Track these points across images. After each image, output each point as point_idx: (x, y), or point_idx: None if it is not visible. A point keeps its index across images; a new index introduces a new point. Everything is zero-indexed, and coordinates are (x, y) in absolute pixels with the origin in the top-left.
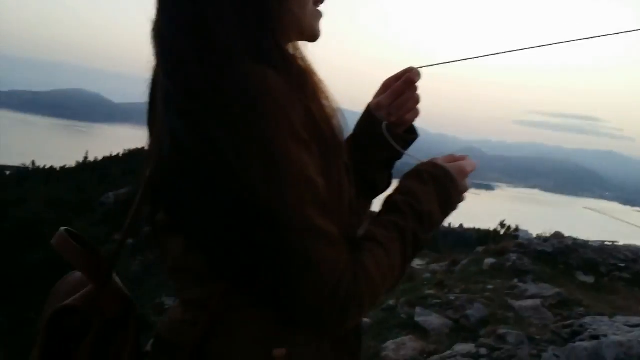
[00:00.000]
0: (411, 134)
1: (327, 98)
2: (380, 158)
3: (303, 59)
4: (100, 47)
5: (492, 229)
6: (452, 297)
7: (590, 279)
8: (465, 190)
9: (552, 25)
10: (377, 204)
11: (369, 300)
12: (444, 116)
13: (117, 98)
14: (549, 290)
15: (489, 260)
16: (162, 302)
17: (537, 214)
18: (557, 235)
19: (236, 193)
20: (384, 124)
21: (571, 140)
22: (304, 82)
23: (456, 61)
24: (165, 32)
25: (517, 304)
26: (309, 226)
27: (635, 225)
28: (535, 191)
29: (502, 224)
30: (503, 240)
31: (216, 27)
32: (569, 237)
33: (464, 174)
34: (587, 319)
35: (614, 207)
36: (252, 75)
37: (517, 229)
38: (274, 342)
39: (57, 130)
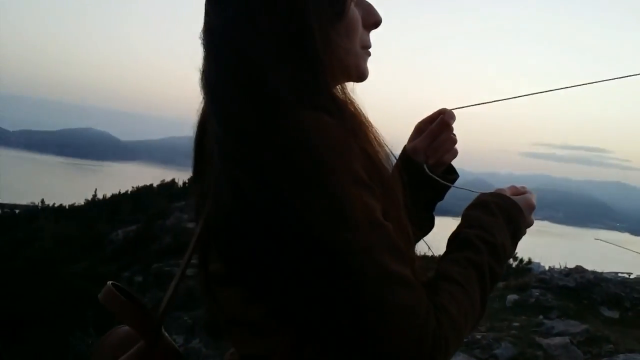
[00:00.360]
0: (451, 174)
1: (378, 141)
2: (424, 200)
3: (353, 102)
4: (108, 86)
5: None
6: (478, 336)
7: (614, 314)
8: (531, 224)
9: (562, 66)
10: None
11: (454, 344)
12: None
13: (124, 136)
14: (576, 326)
15: (512, 297)
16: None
17: (549, 246)
18: (578, 270)
19: (306, 244)
20: (425, 165)
21: (578, 171)
22: (357, 126)
23: (487, 103)
24: (214, 80)
25: (545, 341)
26: (386, 273)
27: None
28: (546, 223)
29: (514, 257)
30: (521, 275)
31: (266, 74)
32: (591, 271)
33: (532, 207)
34: (620, 357)
35: (626, 238)
36: (308, 122)
37: (529, 262)
38: None
39: (66, 168)
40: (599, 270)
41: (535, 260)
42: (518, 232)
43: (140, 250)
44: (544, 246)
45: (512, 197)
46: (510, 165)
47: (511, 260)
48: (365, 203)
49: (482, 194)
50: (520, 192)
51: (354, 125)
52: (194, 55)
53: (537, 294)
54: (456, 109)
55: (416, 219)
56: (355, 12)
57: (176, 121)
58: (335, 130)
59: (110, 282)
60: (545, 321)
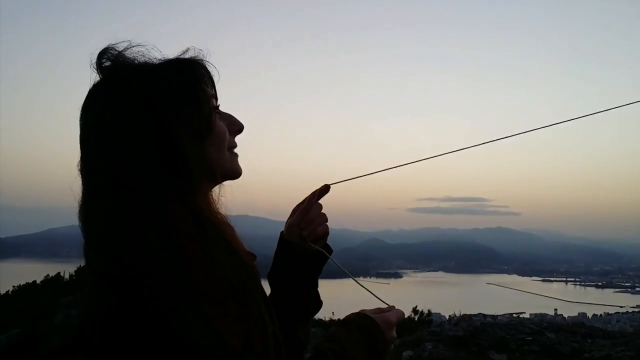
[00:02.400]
0: (327, 249)
1: (240, 250)
2: (303, 275)
3: (218, 213)
4: None
5: (406, 316)
6: None
7: (503, 357)
8: (392, 339)
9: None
10: None
11: None
12: (344, 213)
13: (2, 232)
14: None
15: (407, 353)
16: None
17: (445, 295)
18: (465, 318)
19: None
20: (298, 240)
21: (464, 220)
22: (218, 237)
23: (362, 176)
24: (88, 193)
25: None
26: None
27: (537, 294)
28: (440, 273)
29: (414, 310)
30: (417, 329)
31: (136, 182)
32: (478, 317)
33: (390, 324)
34: None
35: (514, 279)
36: (166, 246)
37: (429, 313)
38: None
39: None
40: (494, 313)
41: (435, 311)
42: (374, 346)
43: (27, 354)
44: (442, 296)
45: (372, 315)
46: (401, 222)
47: (412, 314)
48: (226, 330)
49: (350, 314)
50: (384, 311)
51: (215, 237)
52: (67, 138)
53: (430, 347)
54: (335, 183)
55: (297, 299)
56: (220, 125)
57: (55, 211)
58: (192, 254)
59: None
60: None
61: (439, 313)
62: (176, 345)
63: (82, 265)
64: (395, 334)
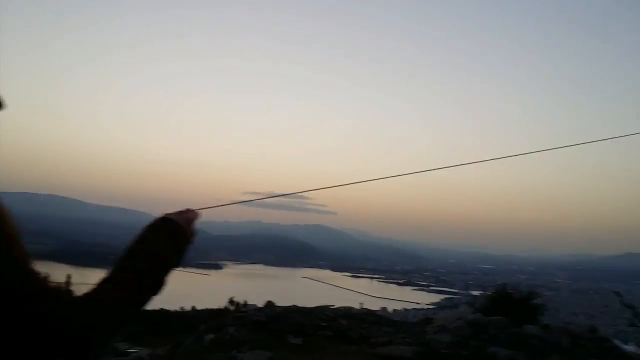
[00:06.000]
0: None
1: (18, 244)
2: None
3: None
4: None
5: (223, 307)
6: None
7: (299, 341)
8: (191, 234)
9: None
10: None
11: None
12: (167, 201)
13: None
14: (261, 355)
15: (209, 336)
16: None
17: (263, 288)
18: (270, 305)
19: None
20: None
21: (286, 217)
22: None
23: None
24: None
25: None
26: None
27: (346, 288)
28: (260, 266)
29: (231, 301)
30: (218, 316)
31: None
32: (280, 306)
33: (189, 221)
34: None
35: (327, 274)
36: None
37: (245, 304)
38: None
39: None
40: (307, 305)
41: (251, 302)
42: (178, 241)
43: None
44: (260, 288)
45: (173, 217)
46: (227, 214)
47: (229, 305)
48: None
49: (155, 219)
50: (184, 212)
51: None
52: None
53: (232, 330)
54: (201, 209)
55: None
56: None
57: None
58: None
59: None
60: (237, 355)
61: (255, 305)
62: None
63: None
64: (195, 230)
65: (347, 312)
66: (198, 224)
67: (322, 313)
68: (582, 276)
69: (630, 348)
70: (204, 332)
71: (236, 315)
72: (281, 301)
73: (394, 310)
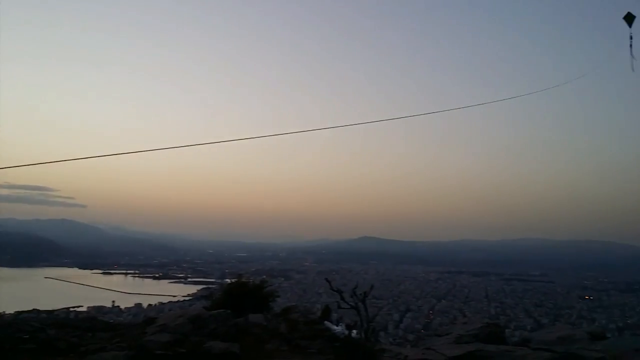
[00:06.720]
0: None
1: None
2: None
3: None
4: None
5: None
6: None
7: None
8: None
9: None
10: None
11: None
12: None
13: None
14: None
15: None
16: None
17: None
18: None
19: None
20: None
21: (24, 210)
22: None
23: None
24: None
25: None
26: None
27: (96, 287)
28: None
29: None
30: None
31: None
32: (33, 314)
33: None
34: None
35: (74, 272)
36: None
37: None
38: None
39: None
40: (51, 308)
41: None
42: None
43: None
44: None
45: None
46: None
47: None
48: None
49: None
50: None
51: None
52: None
53: None
54: None
55: None
56: None
57: None
58: None
59: None
60: None
61: None
62: None
63: None
64: None
65: (60, 320)
66: None
67: (28, 323)
68: (326, 259)
69: (337, 329)
70: None
71: None
72: (19, 306)
73: (149, 305)
